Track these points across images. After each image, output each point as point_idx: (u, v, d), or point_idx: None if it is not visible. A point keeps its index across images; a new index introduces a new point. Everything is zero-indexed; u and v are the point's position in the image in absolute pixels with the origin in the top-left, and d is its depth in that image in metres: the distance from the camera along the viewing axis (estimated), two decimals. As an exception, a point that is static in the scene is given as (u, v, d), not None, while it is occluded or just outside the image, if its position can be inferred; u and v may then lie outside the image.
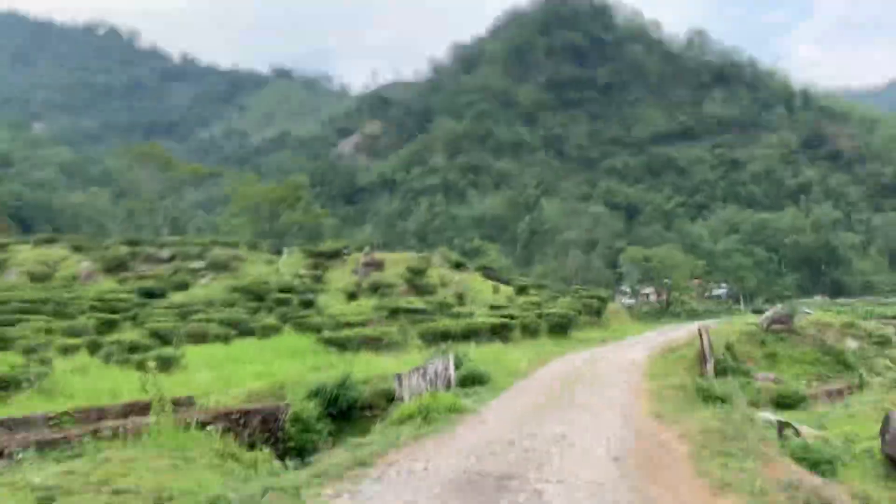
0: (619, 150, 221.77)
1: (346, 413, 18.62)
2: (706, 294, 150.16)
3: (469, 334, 32.47)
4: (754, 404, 18.21)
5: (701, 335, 21.85)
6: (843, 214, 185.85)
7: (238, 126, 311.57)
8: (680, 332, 39.42)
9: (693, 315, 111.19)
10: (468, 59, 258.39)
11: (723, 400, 15.54)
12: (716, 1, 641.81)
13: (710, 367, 20.63)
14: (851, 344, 27.28)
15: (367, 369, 22.13)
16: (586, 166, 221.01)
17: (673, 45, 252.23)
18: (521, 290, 53.61)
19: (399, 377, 17.50)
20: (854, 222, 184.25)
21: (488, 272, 61.74)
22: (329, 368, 23.07)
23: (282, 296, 45.48)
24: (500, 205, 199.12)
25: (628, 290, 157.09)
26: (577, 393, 17.98)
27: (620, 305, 68.77)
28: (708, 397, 15.85)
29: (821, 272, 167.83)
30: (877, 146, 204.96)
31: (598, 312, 45.89)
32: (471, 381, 20.00)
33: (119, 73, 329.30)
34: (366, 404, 19.15)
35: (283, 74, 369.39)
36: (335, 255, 60.09)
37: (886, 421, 13.24)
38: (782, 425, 14.86)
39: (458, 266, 59.12)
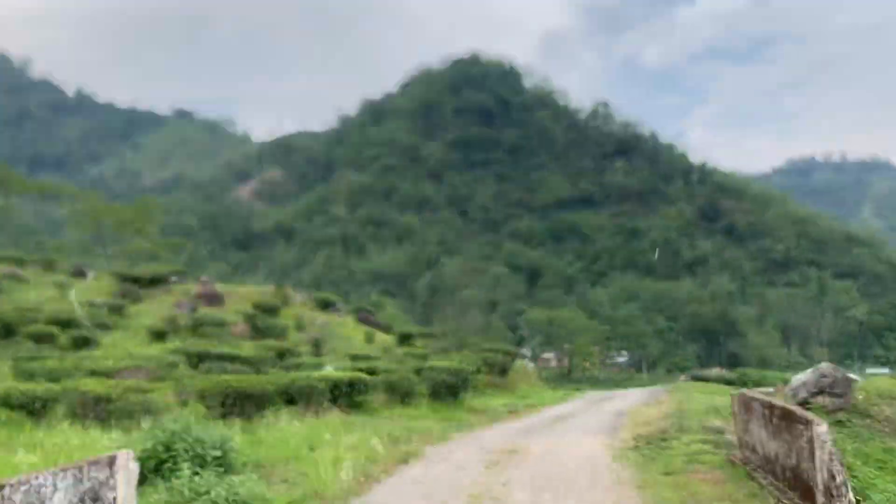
0: (524, 213, 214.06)
1: None
2: (607, 361, 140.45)
3: (297, 396, 18.47)
4: None
5: (813, 443, 7.85)
6: (737, 288, 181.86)
7: (131, 165, 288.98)
8: (620, 401, 26.54)
9: (594, 382, 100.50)
10: (376, 112, 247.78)
11: None
12: (617, 80, 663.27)
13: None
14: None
15: None
16: (490, 227, 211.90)
17: (578, 114, 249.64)
18: (405, 340, 40.16)
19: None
20: (748, 296, 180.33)
21: (364, 316, 47.75)
22: None
23: (46, 329, 30.21)
24: (400, 260, 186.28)
25: (529, 353, 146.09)
26: None
27: (529, 364, 55.43)
28: None
29: (718, 343, 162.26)
30: (769, 223, 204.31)
31: (504, 371, 32.50)
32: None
33: (6, 101, 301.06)
34: None
35: (183, 115, 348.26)
36: (156, 281, 44.67)
37: None
38: None
39: (325, 306, 45.22)
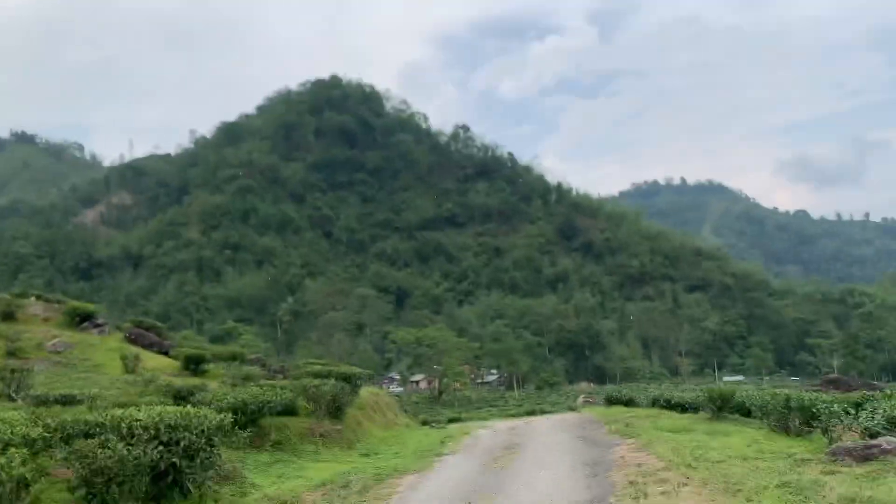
0: (389, 234, 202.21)
1: None
2: (478, 381, 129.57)
3: None
4: None
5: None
6: (598, 302, 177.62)
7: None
8: (552, 461, 13.96)
9: (467, 405, 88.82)
10: (232, 134, 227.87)
11: None
12: (474, 111, 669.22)
13: None
14: None
15: None
16: (356, 249, 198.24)
17: (440, 137, 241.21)
18: (196, 365, 26.12)
19: None
20: (609, 310, 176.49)
21: (136, 334, 32.74)
22: None
23: None
24: (260, 284, 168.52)
25: (398, 376, 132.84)
26: None
27: (388, 393, 41.74)
28: None
29: (585, 357, 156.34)
30: (623, 240, 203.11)
31: (339, 411, 19.26)
32: None
33: None
34: None
35: (24, 140, 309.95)
36: None
37: None
38: None
39: (81, 320, 30.29)
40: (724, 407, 20.32)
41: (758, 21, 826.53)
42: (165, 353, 32.02)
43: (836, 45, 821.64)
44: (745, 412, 20.68)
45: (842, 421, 14.42)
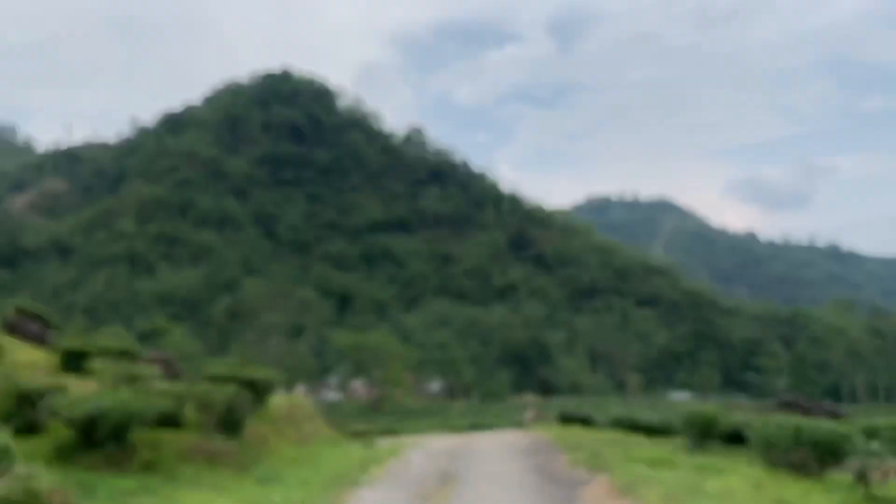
0: (336, 236, 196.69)
1: None
2: (420, 390, 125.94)
3: None
4: None
5: None
6: (547, 314, 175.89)
7: None
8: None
9: (408, 415, 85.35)
10: (175, 124, 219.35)
11: None
12: (429, 114, 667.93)
13: None
14: None
15: None
16: (299, 249, 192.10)
17: (392, 138, 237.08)
18: (77, 361, 21.81)
19: None
20: (557, 322, 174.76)
21: (13, 323, 28.09)
22: None
23: None
24: (194, 281, 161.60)
25: (336, 383, 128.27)
26: None
27: (314, 401, 36.21)
28: None
29: (531, 369, 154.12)
30: (575, 253, 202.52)
31: (235, 425, 15.22)
32: None
33: None
34: None
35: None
36: None
37: None
38: None
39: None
40: (708, 434, 17.05)
41: (715, 42, 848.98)
42: (43, 343, 27.38)
43: (790, 70, 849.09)
44: (727, 439, 17.57)
45: (881, 459, 11.10)
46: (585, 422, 26.42)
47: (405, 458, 17.85)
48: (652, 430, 20.55)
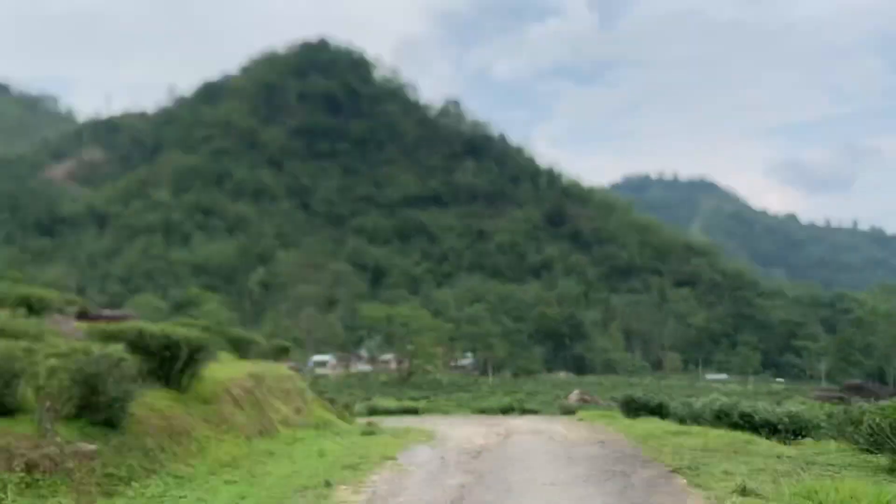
0: (370, 209, 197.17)
1: None
2: (452, 364, 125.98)
3: None
4: None
5: None
6: (582, 292, 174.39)
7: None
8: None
9: (436, 389, 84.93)
10: (212, 93, 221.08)
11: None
12: (467, 89, 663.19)
13: None
14: None
15: None
16: (334, 222, 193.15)
17: (429, 110, 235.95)
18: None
19: None
20: (593, 300, 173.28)
21: None
22: None
23: None
24: (229, 252, 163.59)
25: (366, 354, 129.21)
26: None
27: (300, 375, 25.90)
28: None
29: (565, 346, 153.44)
30: (613, 231, 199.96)
31: (109, 410, 10.02)
32: None
33: None
34: None
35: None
36: None
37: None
38: None
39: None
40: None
41: (760, 18, 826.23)
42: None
43: (836, 48, 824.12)
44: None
45: None
46: (655, 412, 21.55)
47: (402, 467, 12.41)
48: (774, 428, 15.36)
